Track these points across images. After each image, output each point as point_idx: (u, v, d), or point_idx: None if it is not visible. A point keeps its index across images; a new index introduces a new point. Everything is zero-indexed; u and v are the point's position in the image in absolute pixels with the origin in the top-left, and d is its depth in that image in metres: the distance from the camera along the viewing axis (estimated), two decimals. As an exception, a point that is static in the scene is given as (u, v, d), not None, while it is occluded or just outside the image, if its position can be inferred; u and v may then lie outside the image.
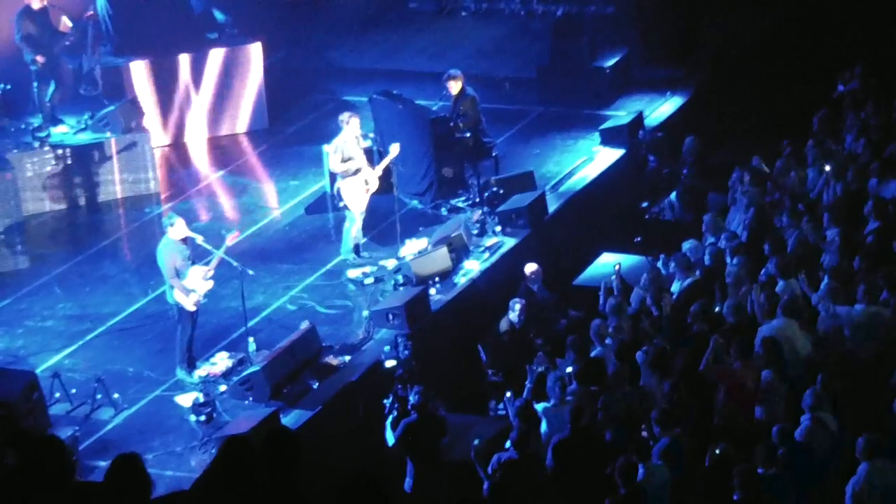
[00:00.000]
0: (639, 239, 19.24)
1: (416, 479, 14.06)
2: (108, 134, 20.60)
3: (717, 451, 12.44)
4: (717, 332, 14.54)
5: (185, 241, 15.39)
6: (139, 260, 18.14)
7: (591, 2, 25.25)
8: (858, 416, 13.20)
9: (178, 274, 15.25)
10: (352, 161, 17.87)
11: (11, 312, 17.43)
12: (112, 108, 20.89)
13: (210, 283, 15.47)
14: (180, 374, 15.62)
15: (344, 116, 18.10)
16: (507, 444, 13.41)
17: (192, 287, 15.27)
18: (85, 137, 20.61)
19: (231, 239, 15.73)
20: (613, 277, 16.75)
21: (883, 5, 23.58)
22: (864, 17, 23.58)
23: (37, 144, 20.13)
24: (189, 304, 15.34)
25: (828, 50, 22.96)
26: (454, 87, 19.60)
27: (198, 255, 15.59)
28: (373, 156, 18.75)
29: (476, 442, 13.55)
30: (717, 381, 14.04)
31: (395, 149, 18.01)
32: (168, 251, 15.33)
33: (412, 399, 14.40)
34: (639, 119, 21.51)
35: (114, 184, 20.49)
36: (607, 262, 18.21)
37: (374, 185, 18.01)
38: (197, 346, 15.76)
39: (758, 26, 24.97)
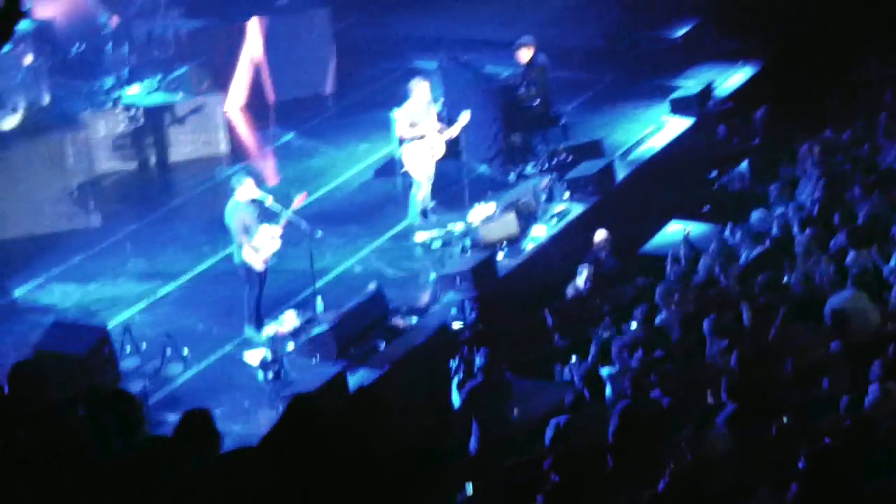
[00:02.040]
0: (707, 208, 19.19)
1: (480, 442, 14.12)
2: (180, 95, 20.77)
3: (784, 422, 12.40)
4: (784, 303, 14.49)
5: (253, 201, 15.51)
6: (209, 220, 18.25)
7: (663, -30, 25.11)
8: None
9: (247, 234, 15.38)
10: (420, 127, 17.94)
11: (84, 269, 17.68)
12: (184, 69, 21.04)
13: (277, 244, 15.60)
14: (248, 332, 15.77)
15: (413, 83, 18.17)
16: (570, 408, 13.46)
17: (260, 247, 15.40)
18: (156, 98, 20.78)
19: (298, 201, 15.86)
20: (681, 244, 16.72)
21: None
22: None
23: (109, 105, 20.32)
24: (257, 264, 15.48)
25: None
26: (525, 55, 19.61)
27: (266, 217, 15.71)
28: (441, 122, 18.78)
29: (516, 412, 13.60)
30: (785, 351, 13.98)
31: (465, 116, 18.05)
32: (236, 211, 15.46)
33: (478, 362, 14.49)
34: (709, 89, 21.43)
35: (184, 144, 20.66)
36: (675, 231, 18.19)
37: (441, 150, 18.07)
38: (265, 305, 15.92)
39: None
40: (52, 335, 14.74)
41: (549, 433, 13.17)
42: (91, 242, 18.30)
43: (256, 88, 22.68)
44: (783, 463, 12.05)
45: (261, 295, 15.74)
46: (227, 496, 7.90)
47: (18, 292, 17.09)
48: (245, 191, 15.45)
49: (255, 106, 22.55)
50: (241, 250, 15.50)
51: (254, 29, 22.52)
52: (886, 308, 14.48)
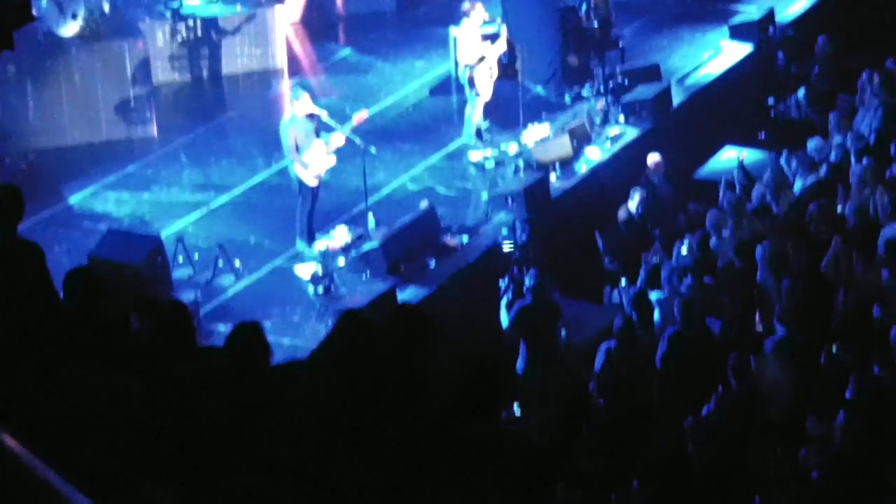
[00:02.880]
0: (763, 135, 19.07)
1: (528, 362, 14.18)
2: (238, 7, 20.74)
3: (834, 352, 12.39)
4: (838, 233, 14.41)
5: (310, 116, 15.51)
6: (263, 133, 18.24)
7: None
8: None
9: (299, 149, 15.39)
10: (477, 46, 17.89)
11: (138, 178, 17.72)
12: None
13: (332, 160, 15.60)
14: (300, 246, 15.84)
15: (467, 5, 18.07)
16: (621, 332, 13.48)
17: (310, 163, 15.41)
18: (215, 10, 20.75)
19: (358, 119, 15.83)
20: (736, 171, 16.63)
21: None
22: None
23: (168, 14, 20.30)
24: (309, 179, 15.50)
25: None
26: (586, -23, 19.48)
27: (322, 132, 15.71)
28: (497, 41, 18.67)
29: (564, 334, 13.62)
30: (837, 281, 13.93)
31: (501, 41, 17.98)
32: (290, 126, 15.46)
33: (528, 282, 14.51)
34: (770, 15, 21.19)
35: (240, 57, 20.63)
36: (730, 157, 18.11)
37: (496, 70, 18.02)
38: (317, 220, 15.95)
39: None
40: (107, 243, 14.81)
41: (598, 358, 13.20)
42: (146, 152, 18.32)
43: (315, 2, 22.60)
44: (831, 392, 12.06)
45: (313, 210, 15.77)
46: (276, 408, 7.95)
47: (73, 199, 17.17)
48: (301, 106, 15.43)
49: (313, 20, 22.47)
50: (292, 165, 15.53)
51: (314, -58, 22.41)
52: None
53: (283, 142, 15.51)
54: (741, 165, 16.88)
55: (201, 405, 7.73)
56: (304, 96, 15.46)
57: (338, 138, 15.56)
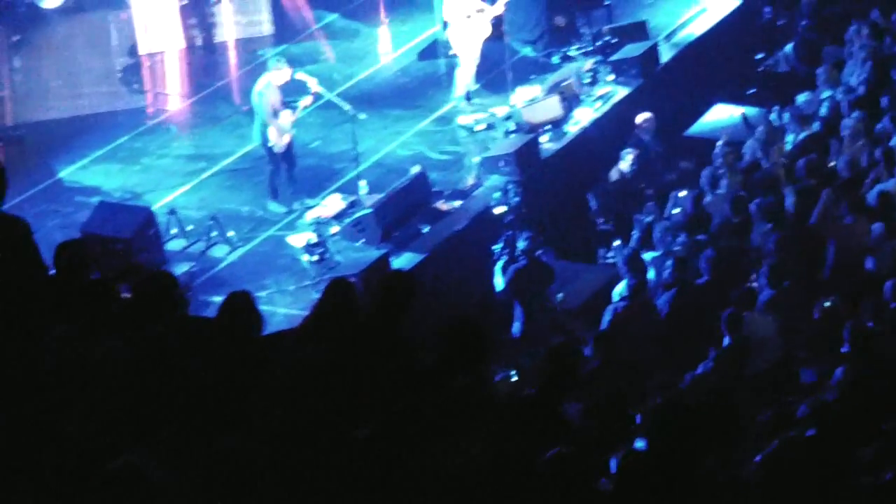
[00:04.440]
0: (753, 91, 19.03)
1: (524, 324, 14.20)
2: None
3: (826, 305, 12.41)
4: (830, 187, 14.41)
5: (287, 84, 15.69)
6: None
7: None
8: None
9: (275, 115, 15.51)
10: (464, 8, 17.81)
11: (128, 150, 17.66)
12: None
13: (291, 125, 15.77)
14: (272, 207, 15.91)
15: None
16: (616, 293, 13.49)
17: (284, 127, 15.57)
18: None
19: (304, 103, 15.92)
20: (738, 125, 16.61)
21: None
22: None
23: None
24: (281, 144, 15.64)
25: None
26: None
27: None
28: (486, 2, 18.59)
29: (560, 296, 13.61)
30: (828, 234, 13.94)
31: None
32: (269, 92, 15.57)
33: (521, 245, 14.51)
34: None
35: (228, 25, 20.55)
36: (720, 115, 18.08)
37: (485, 32, 17.96)
38: (309, 188, 16.00)
39: None
40: (98, 216, 14.81)
41: (606, 318, 13.14)
42: (135, 124, 18.25)
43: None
44: (827, 346, 12.09)
45: (292, 172, 15.91)
46: (268, 377, 7.97)
47: (63, 173, 17.12)
48: (281, 75, 15.57)
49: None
50: (265, 130, 15.60)
51: None
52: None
53: (260, 108, 15.59)
54: (745, 119, 16.83)
55: (189, 373, 7.76)
56: (286, 67, 15.58)
57: (304, 102, 15.71)
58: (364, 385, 7.81)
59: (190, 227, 15.56)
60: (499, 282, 14.48)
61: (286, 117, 15.71)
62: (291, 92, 15.97)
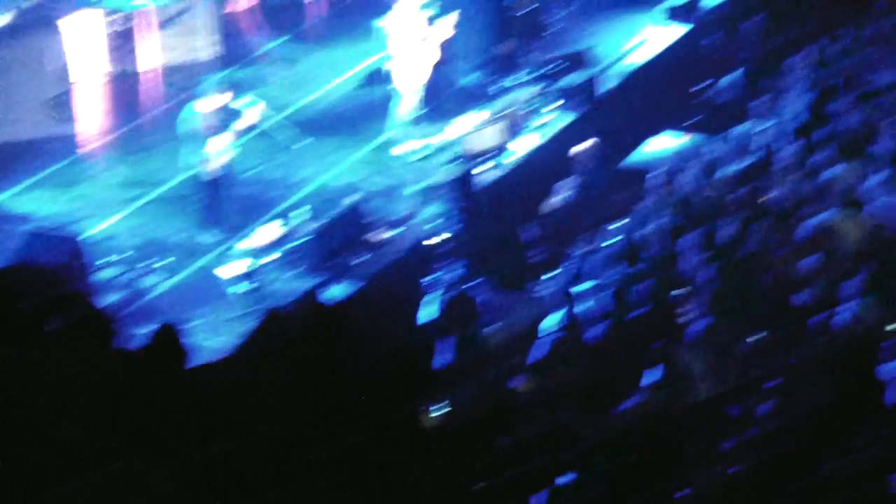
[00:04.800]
0: (694, 120, 19.01)
1: (455, 357, 14.06)
2: (166, -2, 20.49)
3: (757, 338, 12.34)
4: (765, 217, 14.38)
5: (215, 110, 15.56)
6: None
7: None
8: None
9: (199, 142, 15.37)
10: (407, 36, 17.78)
11: (63, 177, 17.50)
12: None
13: (230, 154, 15.58)
14: (205, 235, 15.81)
15: None
16: (548, 325, 13.39)
17: (213, 154, 15.46)
18: (141, 1, 20.46)
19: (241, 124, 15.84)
20: (668, 156, 16.56)
21: None
22: None
23: (93, 7, 19.96)
24: (214, 171, 15.52)
25: None
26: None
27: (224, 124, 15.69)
28: (430, 29, 18.54)
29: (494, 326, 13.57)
30: (763, 267, 13.88)
31: (449, 23, 17.87)
32: (201, 118, 15.55)
33: (456, 274, 14.40)
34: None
35: (171, 49, 20.37)
36: (662, 143, 18.05)
37: (428, 59, 17.91)
38: (244, 216, 15.88)
39: None
40: (27, 245, 14.66)
41: (538, 349, 13.06)
42: (71, 149, 18.09)
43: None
44: (759, 378, 12.02)
45: (226, 200, 15.86)
46: (194, 411, 7.88)
47: (-4, 200, 16.98)
48: (213, 101, 15.49)
49: (243, 9, 22.20)
50: (199, 156, 15.53)
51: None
52: (866, 224, 14.34)
53: (192, 134, 15.52)
54: (673, 151, 16.78)
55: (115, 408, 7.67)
56: (219, 92, 15.49)
57: (240, 128, 15.66)
58: (296, 418, 7.75)
59: (121, 257, 15.38)
60: (431, 312, 14.35)
61: (219, 143, 15.56)
62: (228, 117, 15.84)
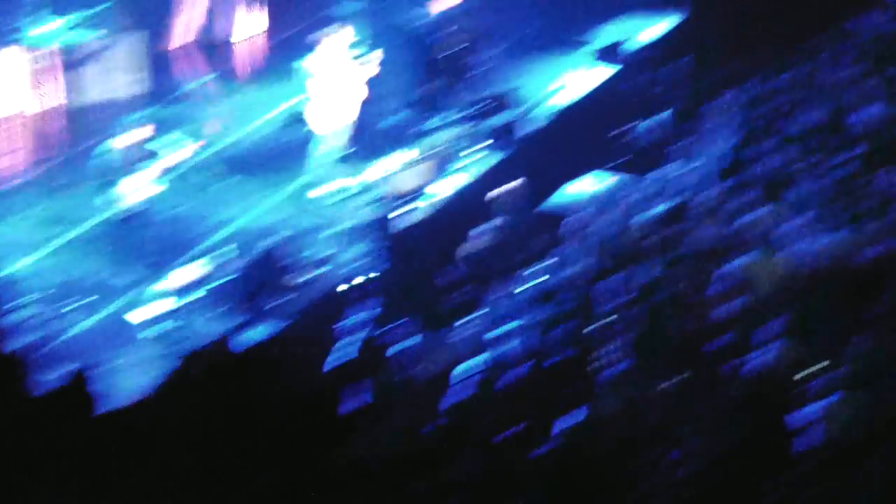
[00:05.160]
0: (623, 160, 19.03)
1: (374, 398, 13.94)
2: (100, 33, 20.28)
3: (675, 381, 12.29)
4: (691, 258, 14.36)
5: (133, 146, 15.46)
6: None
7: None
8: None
9: (118, 180, 15.19)
10: (329, 76, 17.78)
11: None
12: (107, 5, 20.54)
13: (155, 188, 15.45)
14: (122, 276, 15.78)
15: (326, 30, 17.96)
16: (467, 367, 13.30)
17: (128, 193, 15.36)
18: (73, 36, 20.28)
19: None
20: (594, 196, 16.57)
21: None
22: None
23: (20, 43, 19.77)
24: (132, 209, 15.46)
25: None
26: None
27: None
28: (358, 68, 18.52)
29: (416, 368, 13.50)
30: (685, 310, 13.84)
31: (374, 62, 17.86)
32: (121, 155, 15.46)
33: (376, 314, 14.32)
34: (629, 39, 21.27)
35: (93, 86, 20.19)
36: (589, 182, 18.05)
37: (354, 99, 17.89)
38: (159, 257, 15.73)
39: None
40: (-64, 286, 14.44)
41: (457, 392, 12.98)
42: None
43: (177, 28, 22.22)
44: (681, 420, 11.95)
45: (144, 240, 15.83)
46: (105, 456, 7.85)
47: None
48: (133, 137, 15.40)
49: (175, 47, 22.09)
50: (117, 194, 15.38)
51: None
52: (785, 268, 14.36)
53: (111, 172, 15.39)
54: (600, 192, 16.77)
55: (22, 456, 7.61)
56: (140, 129, 15.41)
57: (161, 166, 15.60)
58: (209, 460, 7.72)
59: (35, 298, 15.17)
60: (349, 353, 14.26)
61: (137, 181, 15.42)
62: (147, 155, 15.77)
